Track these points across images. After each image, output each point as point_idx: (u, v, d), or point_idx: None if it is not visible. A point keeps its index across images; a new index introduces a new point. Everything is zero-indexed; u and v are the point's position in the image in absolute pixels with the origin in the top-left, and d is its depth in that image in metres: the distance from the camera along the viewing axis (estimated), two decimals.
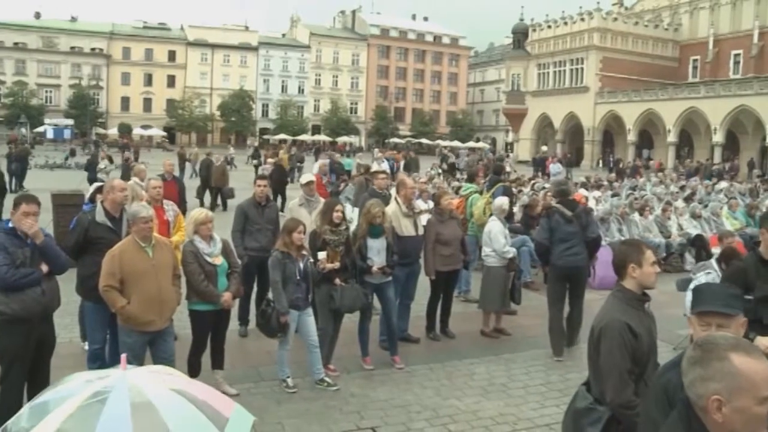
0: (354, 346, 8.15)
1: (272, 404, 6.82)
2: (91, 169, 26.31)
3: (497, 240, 9.37)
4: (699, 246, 14.46)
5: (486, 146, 79.54)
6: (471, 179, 13.72)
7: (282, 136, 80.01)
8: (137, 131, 78.46)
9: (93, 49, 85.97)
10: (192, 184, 22.96)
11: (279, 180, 20.30)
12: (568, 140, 70.61)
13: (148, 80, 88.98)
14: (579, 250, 8.72)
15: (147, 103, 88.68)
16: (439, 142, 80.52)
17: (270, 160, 26.86)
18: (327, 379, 7.31)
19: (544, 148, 53.10)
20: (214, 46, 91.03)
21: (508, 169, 31.97)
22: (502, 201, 9.96)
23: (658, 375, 3.07)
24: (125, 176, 15.20)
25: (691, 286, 7.80)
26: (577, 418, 3.98)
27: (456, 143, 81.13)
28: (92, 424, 2.05)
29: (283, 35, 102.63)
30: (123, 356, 2.29)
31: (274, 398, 6.98)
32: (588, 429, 3.86)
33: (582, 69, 67.94)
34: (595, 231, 9.32)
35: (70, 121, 76.33)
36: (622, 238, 13.67)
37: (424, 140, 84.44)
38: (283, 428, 6.30)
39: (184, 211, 10.13)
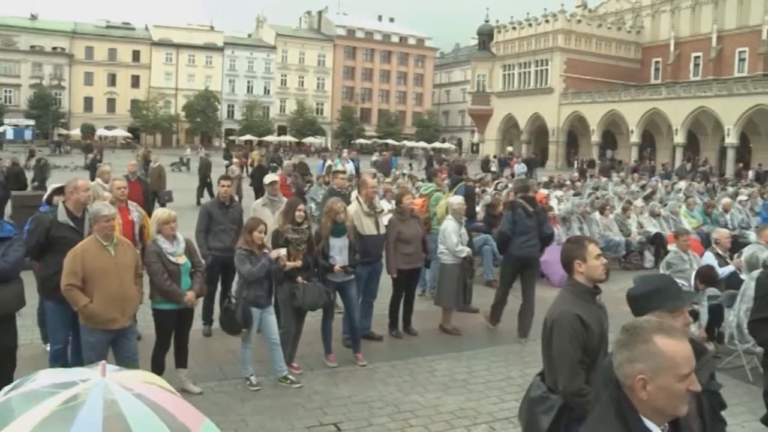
0: (317, 344, 8.22)
1: (236, 402, 6.87)
2: (92, 169, 26.03)
3: (449, 238, 9.50)
4: (658, 244, 14.75)
5: (452, 147, 79.89)
6: (431, 179, 13.84)
7: (248, 137, 79.58)
8: (101, 132, 77.28)
9: (54, 49, 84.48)
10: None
11: (260, 179, 20.29)
12: (533, 141, 71.29)
13: (112, 80, 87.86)
14: (535, 242, 9.45)
15: (111, 104, 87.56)
16: (405, 142, 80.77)
17: (235, 160, 26.87)
18: (290, 376, 7.38)
19: (510, 148, 53.52)
20: (179, 46, 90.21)
21: (493, 168, 32.34)
22: (457, 200, 10.09)
23: (606, 366, 3.16)
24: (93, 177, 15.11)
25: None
26: (531, 406, 4.10)
27: (422, 144, 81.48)
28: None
29: (249, 35, 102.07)
30: (103, 363, 2.27)
31: (238, 396, 7.03)
32: (541, 417, 3.97)
33: (546, 70, 68.58)
34: (550, 228, 10.15)
35: (31, 122, 75.12)
36: None
37: (390, 141, 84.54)
38: (246, 425, 6.35)
39: (149, 212, 10.11)
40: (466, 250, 9.52)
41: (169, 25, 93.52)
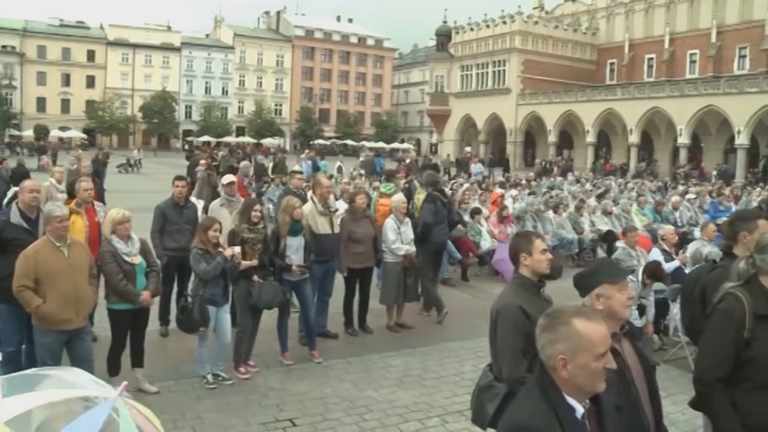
0: (273, 342, 8.32)
1: (192, 400, 6.93)
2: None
3: (387, 237, 9.68)
4: (610, 241, 15.04)
5: (411, 147, 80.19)
6: (389, 179, 13.97)
7: (206, 138, 78.76)
8: (55, 133, 75.30)
9: (4, 47, 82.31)
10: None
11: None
12: (491, 141, 71.85)
13: (66, 80, 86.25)
14: (446, 229, 10.97)
15: (65, 104, 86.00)
16: (364, 143, 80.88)
17: (202, 162, 26.76)
18: (222, 374, 7.46)
19: (468, 148, 53.92)
20: (135, 46, 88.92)
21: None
22: (399, 199, 10.27)
23: None
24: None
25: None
26: (479, 394, 4.31)
27: (381, 144, 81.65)
28: (67, 420, 2.17)
29: (207, 36, 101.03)
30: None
31: (194, 394, 7.09)
32: (488, 404, 4.17)
33: (504, 71, 69.15)
34: (458, 214, 12.30)
35: None
36: None
37: (349, 141, 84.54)
38: (203, 423, 6.42)
39: None
40: (404, 248, 9.64)
41: (125, 24, 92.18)
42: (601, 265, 3.57)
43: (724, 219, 9.60)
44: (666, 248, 10.16)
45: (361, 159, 39.21)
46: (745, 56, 56.68)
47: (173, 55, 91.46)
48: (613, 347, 3.09)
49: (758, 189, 24.24)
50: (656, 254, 9.98)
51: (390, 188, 12.24)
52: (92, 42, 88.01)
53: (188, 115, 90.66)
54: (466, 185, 19.85)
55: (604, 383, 2.51)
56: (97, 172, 18.80)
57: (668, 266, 9.72)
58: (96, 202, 8.77)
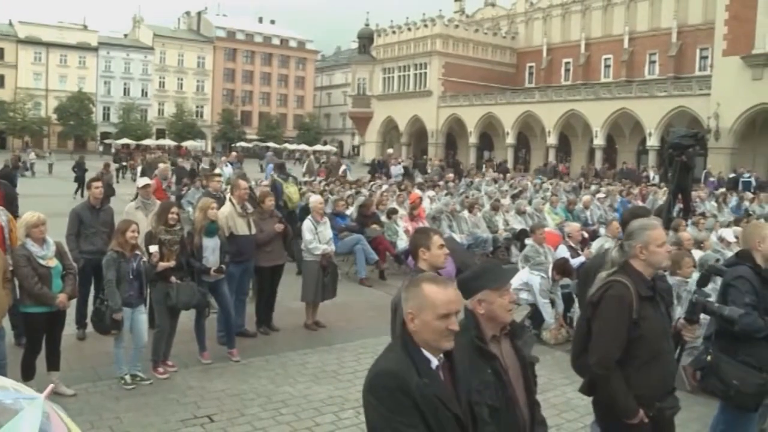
0: (192, 342, 8.41)
1: (110, 401, 6.96)
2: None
3: (304, 237, 9.95)
4: (523, 239, 15.54)
5: (333, 149, 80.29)
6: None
7: (125, 140, 77.15)
8: None
9: None
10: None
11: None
12: (413, 143, 72.53)
13: None
14: None
15: None
16: (287, 145, 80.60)
17: (163, 165, 26.36)
18: (140, 374, 7.52)
19: (390, 150, 54.33)
20: (48, 45, 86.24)
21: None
22: (316, 200, 10.53)
23: (457, 336, 3.62)
24: None
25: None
26: None
27: (303, 146, 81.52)
28: None
29: (125, 36, 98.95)
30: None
31: (113, 395, 7.12)
32: None
33: (425, 74, 69.90)
34: None
35: None
36: (452, 234, 14.57)
37: (271, 144, 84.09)
38: (121, 422, 6.47)
39: (15, 216, 9.95)
40: (321, 248, 9.87)
41: (38, 22, 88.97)
42: (483, 271, 3.61)
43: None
44: (572, 245, 10.66)
45: (323, 161, 39.33)
46: (654, 62, 58.89)
47: (90, 55, 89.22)
48: (492, 352, 3.38)
49: (664, 188, 25.25)
50: (562, 250, 10.45)
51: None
52: (1, 39, 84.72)
53: (106, 117, 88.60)
54: (385, 186, 20.22)
55: (451, 342, 2.90)
56: (9, 177, 18.28)
57: (574, 262, 10.21)
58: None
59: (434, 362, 2.90)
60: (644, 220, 4.43)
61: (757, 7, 42.53)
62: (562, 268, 9.86)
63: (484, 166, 47.33)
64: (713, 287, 6.50)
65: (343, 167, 29.86)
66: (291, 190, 14.35)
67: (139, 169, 27.36)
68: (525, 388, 3.50)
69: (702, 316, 5.11)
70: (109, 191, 22.23)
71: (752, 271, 5.05)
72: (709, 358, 5.15)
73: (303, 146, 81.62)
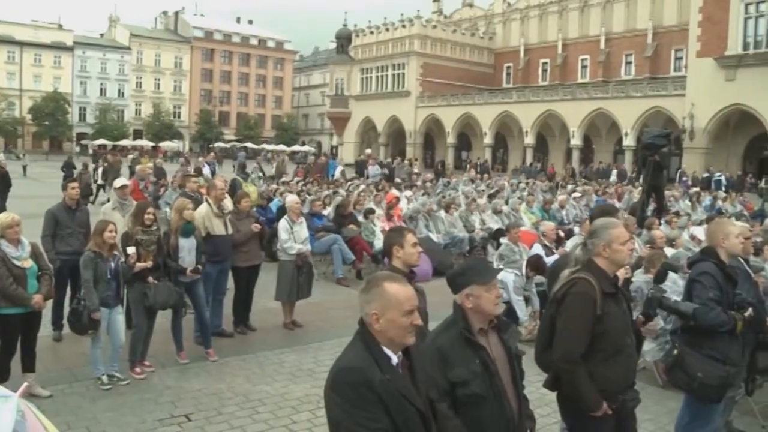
0: (169, 343, 8.42)
1: (87, 402, 6.98)
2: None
3: (279, 236, 10.02)
4: (499, 238, 15.66)
5: (311, 149, 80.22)
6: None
7: (101, 141, 76.47)
8: None
9: None
10: None
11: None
12: (391, 143, 72.70)
13: None
14: None
15: None
16: (264, 146, 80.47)
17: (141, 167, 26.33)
18: (117, 374, 7.54)
19: (368, 151, 54.38)
20: (22, 44, 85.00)
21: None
22: (292, 199, 10.60)
23: (431, 339, 3.74)
24: None
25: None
26: None
27: (281, 147, 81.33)
28: None
29: (101, 35, 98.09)
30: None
31: (89, 396, 7.13)
32: None
33: (403, 74, 70.15)
34: None
35: None
36: (429, 234, 14.69)
37: (249, 144, 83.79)
38: (97, 422, 6.49)
39: None
40: (296, 248, 9.93)
41: (10, 20, 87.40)
42: (470, 266, 3.82)
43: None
44: (547, 243, 10.79)
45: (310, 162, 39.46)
46: (630, 62, 59.56)
47: (65, 55, 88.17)
48: (480, 342, 3.57)
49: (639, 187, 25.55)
50: (537, 249, 10.57)
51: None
52: None
53: (82, 117, 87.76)
54: (362, 186, 20.30)
55: (413, 337, 3.01)
56: None
57: (548, 260, 10.33)
58: None
59: (394, 359, 2.98)
60: (607, 219, 4.55)
61: (729, 9, 43.11)
62: (535, 264, 10.01)
63: (468, 166, 47.72)
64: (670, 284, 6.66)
65: (340, 168, 29.85)
66: (250, 190, 14.43)
67: (100, 170, 27.33)
68: (512, 380, 3.67)
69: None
70: (87, 191, 22.24)
71: (716, 267, 5.21)
72: (675, 352, 5.31)
73: (281, 146, 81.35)
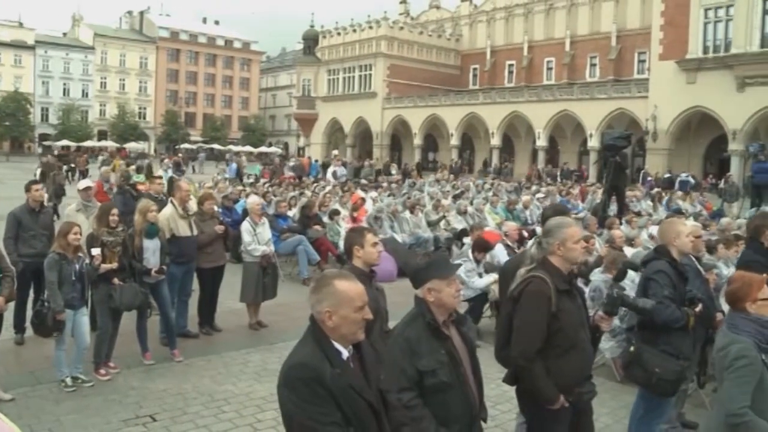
0: (134, 344, 8.43)
1: (50, 404, 6.96)
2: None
3: (243, 238, 10.11)
4: (463, 238, 15.84)
5: (278, 151, 79.97)
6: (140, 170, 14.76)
7: (65, 142, 75.37)
8: None
9: None
10: None
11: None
12: (358, 144, 72.69)
13: None
14: None
15: None
16: (231, 147, 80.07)
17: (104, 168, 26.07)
18: (82, 376, 7.54)
19: (335, 152, 54.47)
20: None
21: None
22: (254, 201, 10.67)
23: (399, 332, 3.91)
24: None
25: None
26: None
27: (248, 148, 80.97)
28: None
29: (64, 35, 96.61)
30: None
31: (53, 398, 7.12)
32: None
33: (370, 75, 70.13)
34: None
35: None
36: (394, 235, 14.81)
37: (215, 146, 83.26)
38: (61, 424, 6.48)
39: None
40: (260, 249, 10.03)
41: None
42: (432, 262, 4.00)
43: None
44: (509, 243, 10.95)
45: (291, 164, 39.30)
46: (595, 65, 60.17)
47: (26, 54, 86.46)
48: (445, 332, 3.78)
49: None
50: (500, 249, 10.73)
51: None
52: None
53: (45, 118, 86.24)
54: (328, 188, 20.39)
55: (363, 333, 3.13)
56: None
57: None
58: None
59: (345, 353, 3.09)
60: (561, 219, 4.69)
61: (689, 14, 43.85)
62: (481, 245, 10.39)
63: (441, 167, 48.24)
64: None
65: (341, 170, 29.84)
66: (188, 187, 14.49)
67: (38, 171, 27.04)
68: (472, 370, 3.89)
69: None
70: (60, 191, 22.01)
71: (669, 265, 5.39)
72: (632, 348, 5.49)
73: (248, 148, 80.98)
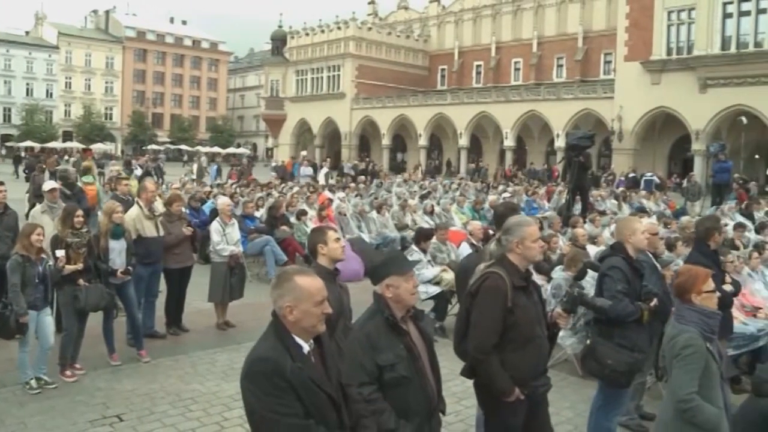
0: (101, 345, 8.41)
1: (14, 407, 6.93)
2: None
3: (212, 238, 10.20)
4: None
5: (246, 152, 79.62)
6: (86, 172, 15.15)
7: (28, 143, 74.32)
8: None
9: None
10: None
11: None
12: (326, 145, 72.62)
13: None
14: None
15: None
16: (199, 148, 79.62)
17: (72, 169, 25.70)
18: (46, 378, 7.50)
19: (304, 152, 54.42)
20: None
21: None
22: (224, 201, 10.74)
23: (359, 327, 4.01)
24: None
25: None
26: None
27: (216, 149, 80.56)
28: None
29: (27, 33, 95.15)
30: None
31: (17, 401, 7.08)
32: None
33: (339, 76, 70.08)
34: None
35: None
36: (362, 234, 14.91)
37: (183, 146, 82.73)
38: (25, 427, 6.47)
39: None
40: (229, 249, 10.10)
41: None
42: (390, 259, 4.12)
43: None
44: (474, 242, 11.08)
45: (273, 165, 39.07)
46: (562, 66, 60.82)
47: None
48: (403, 327, 3.89)
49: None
50: (465, 248, 10.87)
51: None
52: None
53: (7, 118, 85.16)
54: (295, 188, 20.43)
55: (324, 325, 3.25)
56: None
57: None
58: None
59: (306, 347, 3.19)
60: (521, 217, 4.85)
61: (654, 17, 44.53)
62: (422, 235, 10.81)
63: (418, 168, 48.65)
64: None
65: (306, 170, 29.83)
66: (132, 184, 14.53)
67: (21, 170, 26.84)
68: (431, 363, 4.01)
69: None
70: (40, 192, 21.72)
71: (624, 262, 5.58)
72: (588, 342, 5.67)
73: (216, 149, 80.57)
